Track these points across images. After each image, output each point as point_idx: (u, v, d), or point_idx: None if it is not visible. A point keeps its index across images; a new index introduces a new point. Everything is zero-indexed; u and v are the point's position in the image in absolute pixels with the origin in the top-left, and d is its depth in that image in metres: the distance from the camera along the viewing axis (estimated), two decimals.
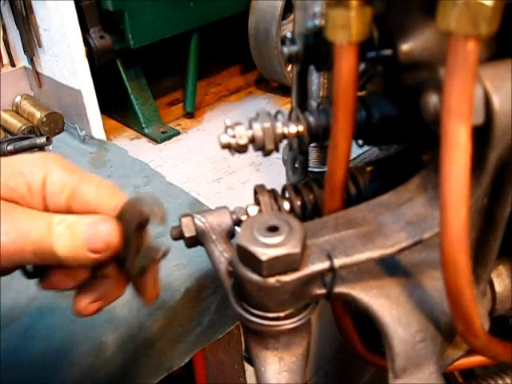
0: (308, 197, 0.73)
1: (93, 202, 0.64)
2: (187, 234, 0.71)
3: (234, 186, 1.49)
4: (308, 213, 0.73)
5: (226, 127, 0.66)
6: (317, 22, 0.90)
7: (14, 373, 0.96)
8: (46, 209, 0.63)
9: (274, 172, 1.39)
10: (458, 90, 0.46)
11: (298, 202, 0.73)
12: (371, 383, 1.55)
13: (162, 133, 1.76)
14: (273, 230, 0.57)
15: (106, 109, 1.80)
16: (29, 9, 1.63)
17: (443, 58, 0.59)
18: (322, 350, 1.46)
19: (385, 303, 0.60)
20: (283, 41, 1.74)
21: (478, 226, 0.60)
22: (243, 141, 0.66)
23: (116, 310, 1.12)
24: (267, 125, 0.66)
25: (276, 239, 0.55)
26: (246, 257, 0.56)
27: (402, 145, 0.77)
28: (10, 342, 1.01)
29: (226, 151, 1.62)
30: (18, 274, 1.21)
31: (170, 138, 1.75)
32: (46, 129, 1.76)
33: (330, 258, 0.57)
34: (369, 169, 0.75)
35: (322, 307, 1.20)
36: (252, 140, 0.66)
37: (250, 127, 0.66)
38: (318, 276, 0.58)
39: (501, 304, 0.71)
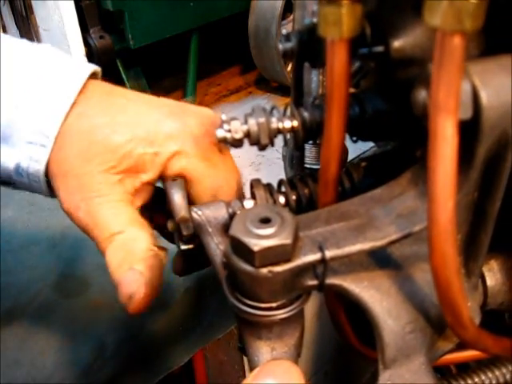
0: (303, 191, 0.74)
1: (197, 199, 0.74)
2: (185, 232, 0.71)
3: None
4: (303, 206, 0.74)
5: (222, 122, 0.67)
6: (314, 19, 0.91)
7: (14, 373, 0.96)
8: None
9: (274, 172, 1.39)
10: (444, 84, 0.46)
11: (293, 196, 0.73)
12: (371, 383, 1.55)
13: None
14: (265, 221, 0.57)
15: None
16: (29, 9, 1.63)
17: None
18: (322, 350, 1.46)
19: (375, 295, 0.61)
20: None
21: (469, 221, 0.61)
22: (238, 135, 0.66)
23: (116, 309, 1.13)
24: (262, 120, 0.66)
25: (268, 230, 0.55)
26: (238, 247, 0.56)
27: (396, 141, 0.77)
28: (10, 341, 1.01)
29: None
30: (18, 274, 1.22)
31: None
32: None
33: (321, 249, 0.57)
34: (363, 164, 0.76)
35: (320, 307, 1.20)
36: (247, 134, 0.67)
37: (246, 122, 0.67)
38: (310, 267, 0.59)
39: (492, 298, 0.71)
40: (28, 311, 1.13)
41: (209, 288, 1.22)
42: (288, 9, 1.74)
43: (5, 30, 1.79)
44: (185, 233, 0.71)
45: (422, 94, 0.53)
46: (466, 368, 0.87)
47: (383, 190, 0.64)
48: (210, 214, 0.70)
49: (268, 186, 0.74)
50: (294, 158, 0.90)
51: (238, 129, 0.66)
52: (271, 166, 1.44)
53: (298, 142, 0.69)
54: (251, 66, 1.92)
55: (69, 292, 1.18)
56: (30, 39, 1.67)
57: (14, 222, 1.38)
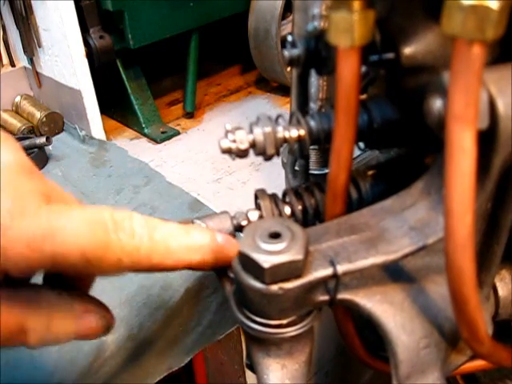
0: (309, 201, 0.73)
1: None
2: None
3: (233, 186, 1.49)
4: (309, 217, 0.72)
5: (227, 132, 0.66)
6: (316, 23, 0.90)
7: (14, 373, 0.96)
8: None
9: (275, 172, 1.38)
10: (463, 95, 0.45)
11: (299, 207, 0.73)
12: (371, 383, 1.55)
13: (162, 133, 1.76)
14: (275, 236, 0.56)
15: (106, 109, 1.79)
16: (28, 9, 1.63)
17: (446, 61, 0.58)
18: (322, 350, 1.46)
19: (388, 309, 0.60)
20: (283, 41, 1.74)
21: (482, 231, 0.60)
22: (244, 145, 0.65)
23: (116, 309, 1.12)
24: (268, 129, 0.65)
25: (278, 246, 0.55)
26: (248, 264, 0.55)
27: (403, 148, 0.76)
28: None
29: None
30: None
31: (169, 138, 1.75)
32: (45, 129, 1.76)
33: (333, 264, 0.56)
34: (370, 173, 0.75)
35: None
36: (253, 145, 0.66)
37: (251, 131, 0.66)
38: (321, 283, 0.58)
39: (504, 308, 0.70)
40: None
41: (209, 288, 1.22)
42: (288, 9, 1.72)
43: (5, 30, 1.77)
44: None
45: (436, 104, 0.52)
46: (473, 380, 0.86)
47: (394, 200, 0.63)
48: (214, 227, 0.69)
49: (273, 197, 0.73)
50: (298, 166, 0.89)
51: (243, 139, 0.65)
52: (271, 167, 1.42)
53: (304, 150, 0.68)
54: (251, 66, 1.90)
55: None
56: (30, 39, 1.66)
57: None
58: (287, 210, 0.72)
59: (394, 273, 0.63)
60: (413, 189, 0.63)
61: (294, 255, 0.54)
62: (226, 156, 1.59)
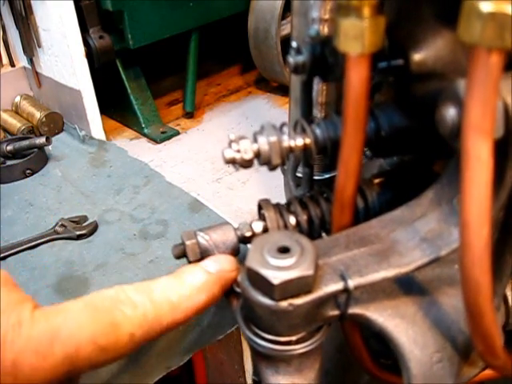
0: (315, 211, 0.71)
1: None
2: (192, 259, 0.67)
3: (233, 186, 1.49)
4: (315, 228, 0.71)
5: (230, 141, 0.63)
6: (315, 27, 0.89)
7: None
8: None
9: (274, 172, 1.38)
10: (480, 105, 0.44)
11: (305, 217, 0.71)
12: (371, 383, 1.54)
13: (162, 133, 1.76)
14: (284, 251, 0.55)
15: (106, 109, 1.79)
16: (28, 9, 1.62)
17: (456, 67, 0.57)
18: (323, 350, 1.45)
19: (400, 324, 0.59)
20: (283, 41, 1.73)
21: (494, 240, 0.59)
22: (248, 155, 0.63)
23: None
24: (273, 138, 0.63)
25: (288, 261, 0.53)
26: (256, 280, 0.54)
27: (409, 155, 0.75)
28: None
29: None
30: (16, 272, 1.20)
31: (169, 138, 1.75)
32: (45, 129, 1.75)
33: (343, 278, 0.55)
34: (376, 181, 0.73)
35: None
36: (257, 154, 0.63)
37: (255, 141, 0.63)
38: (331, 297, 0.57)
39: None
40: None
41: None
42: (288, 9, 1.71)
43: (4, 30, 1.77)
44: (191, 259, 0.67)
45: (449, 112, 0.51)
46: None
47: (403, 211, 0.62)
48: (217, 239, 0.67)
49: (277, 207, 0.71)
50: (303, 174, 0.87)
51: (247, 148, 0.62)
52: None
53: (309, 159, 0.67)
54: (251, 66, 1.90)
55: (69, 292, 1.17)
56: (30, 39, 1.66)
57: (13, 221, 1.38)
58: (292, 219, 0.71)
59: (405, 285, 0.61)
60: (423, 199, 0.61)
61: (305, 270, 0.52)
62: None
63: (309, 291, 0.54)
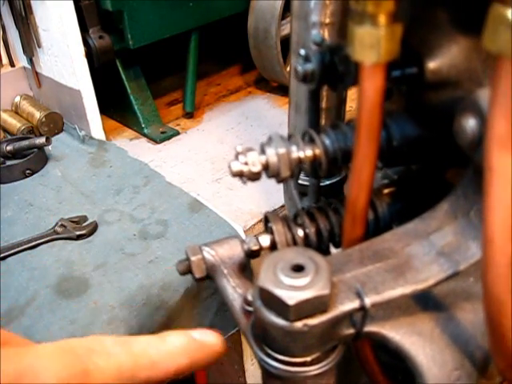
0: (324, 223, 0.69)
1: None
2: (198, 275, 0.65)
3: (233, 186, 1.49)
4: (324, 240, 0.69)
5: (237, 153, 0.60)
6: (316, 31, 0.88)
7: None
8: None
9: None
10: (505, 118, 0.42)
11: (313, 229, 0.68)
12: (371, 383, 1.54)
13: (162, 133, 1.76)
14: (298, 269, 0.52)
15: (106, 109, 1.79)
16: (28, 9, 1.62)
17: (471, 75, 0.56)
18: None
19: (417, 341, 0.56)
20: (283, 41, 1.74)
21: None
22: (256, 168, 0.60)
23: (116, 310, 1.12)
24: (282, 150, 0.60)
25: (303, 280, 0.50)
26: (269, 300, 0.51)
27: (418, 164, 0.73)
28: None
29: (226, 151, 1.62)
30: (16, 272, 1.21)
31: (169, 138, 1.75)
32: (45, 129, 1.76)
33: (359, 296, 0.52)
34: (386, 191, 0.71)
35: None
36: (266, 167, 0.61)
37: (263, 152, 0.61)
38: (347, 316, 0.54)
39: None
40: (28, 311, 1.12)
41: (209, 288, 1.22)
42: (288, 9, 1.71)
43: (4, 30, 1.77)
44: (197, 275, 0.65)
45: (469, 123, 0.49)
46: None
47: (417, 223, 0.59)
48: (224, 254, 0.65)
49: (285, 219, 0.69)
50: (310, 186, 0.84)
51: (255, 161, 0.60)
52: None
53: (320, 171, 0.64)
54: (251, 66, 1.90)
55: (69, 292, 1.17)
56: (30, 39, 1.66)
57: (13, 221, 1.39)
58: (300, 232, 0.68)
59: (421, 300, 0.59)
60: (437, 211, 0.59)
61: (320, 290, 0.50)
62: (226, 156, 1.60)
63: (324, 310, 0.51)
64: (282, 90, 1.90)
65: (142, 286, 1.17)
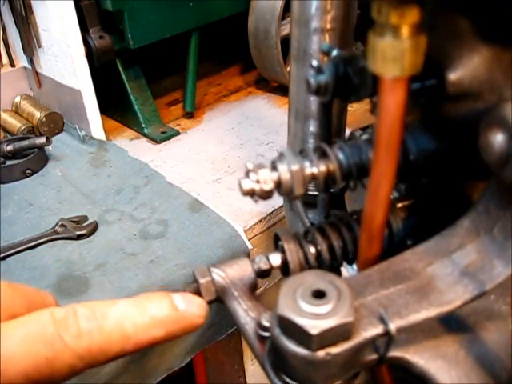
0: (336, 240, 0.66)
1: None
2: (208, 298, 0.61)
3: (233, 186, 1.49)
4: (337, 258, 0.66)
5: (248, 171, 0.57)
6: (314, 37, 0.87)
7: None
8: None
9: None
10: None
11: (325, 247, 0.65)
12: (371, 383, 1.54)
13: (162, 133, 1.76)
14: (319, 295, 0.49)
15: (106, 109, 1.79)
16: (28, 9, 1.62)
17: (493, 86, 0.53)
18: None
19: (442, 365, 0.54)
20: (283, 41, 1.74)
21: None
22: (268, 186, 0.57)
23: None
24: (295, 167, 0.57)
25: (325, 308, 0.48)
26: (290, 329, 0.49)
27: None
28: None
29: (226, 150, 1.62)
30: (16, 272, 1.21)
31: (169, 138, 1.75)
32: (45, 129, 1.76)
33: (383, 321, 0.50)
34: (400, 205, 0.67)
35: None
36: (278, 184, 0.57)
37: (275, 169, 0.57)
38: (370, 342, 0.51)
39: None
40: None
41: None
42: (288, 9, 1.71)
43: (4, 30, 1.77)
44: (207, 299, 0.61)
45: (497, 139, 0.47)
46: None
47: (438, 241, 0.56)
48: (234, 275, 0.62)
49: (297, 237, 0.66)
50: (319, 201, 0.81)
51: (267, 178, 0.56)
52: None
53: (332, 185, 0.61)
54: (251, 66, 1.90)
55: (69, 292, 1.17)
56: (30, 39, 1.66)
57: (13, 221, 1.39)
58: (312, 250, 0.65)
59: (444, 322, 0.57)
60: (458, 228, 0.56)
61: (344, 317, 0.47)
62: (226, 156, 1.60)
63: (347, 338, 0.49)
64: (282, 90, 1.90)
65: (142, 285, 1.17)
